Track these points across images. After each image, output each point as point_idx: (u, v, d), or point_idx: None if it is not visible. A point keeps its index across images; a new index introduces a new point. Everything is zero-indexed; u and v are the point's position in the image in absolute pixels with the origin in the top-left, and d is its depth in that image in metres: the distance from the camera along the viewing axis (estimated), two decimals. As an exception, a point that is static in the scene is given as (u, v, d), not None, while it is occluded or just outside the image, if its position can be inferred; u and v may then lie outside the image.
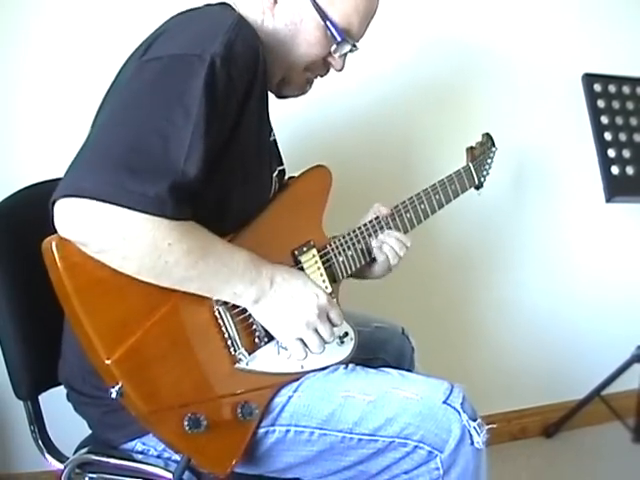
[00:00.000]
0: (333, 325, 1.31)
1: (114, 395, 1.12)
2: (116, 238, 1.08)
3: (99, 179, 1.07)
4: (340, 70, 1.45)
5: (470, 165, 1.83)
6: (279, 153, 1.56)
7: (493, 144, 1.95)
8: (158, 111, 1.13)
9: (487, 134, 1.96)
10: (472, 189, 1.86)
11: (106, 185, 1.06)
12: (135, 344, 1.14)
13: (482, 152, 1.90)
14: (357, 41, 1.41)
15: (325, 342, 1.30)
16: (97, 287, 1.13)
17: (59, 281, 1.12)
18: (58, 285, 1.13)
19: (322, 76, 1.47)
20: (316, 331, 1.28)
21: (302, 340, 1.28)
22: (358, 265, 1.54)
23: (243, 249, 1.23)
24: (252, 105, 1.25)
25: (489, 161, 1.93)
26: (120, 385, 1.12)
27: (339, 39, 1.36)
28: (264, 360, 1.30)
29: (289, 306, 1.26)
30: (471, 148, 1.89)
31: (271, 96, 1.45)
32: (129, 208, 1.06)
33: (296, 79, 1.44)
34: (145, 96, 1.15)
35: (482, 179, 1.89)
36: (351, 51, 1.41)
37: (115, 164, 1.07)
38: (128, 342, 1.14)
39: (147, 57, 1.20)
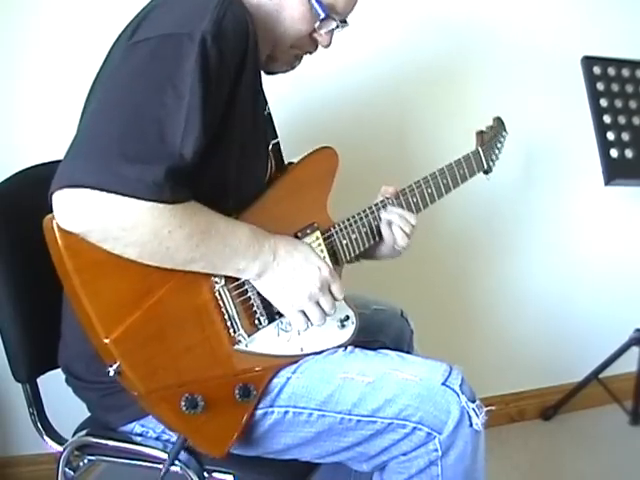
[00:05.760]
0: (334, 299, 1.31)
1: (112, 373, 1.13)
2: (116, 227, 1.08)
3: (95, 168, 1.06)
4: (327, 47, 1.44)
5: (479, 149, 1.81)
6: (274, 126, 1.55)
7: (504, 128, 1.93)
8: (151, 94, 1.12)
9: (498, 118, 1.92)
10: (481, 174, 1.83)
11: (102, 174, 1.05)
12: (134, 323, 1.14)
13: (492, 137, 1.87)
14: (345, 17, 1.41)
15: (326, 314, 1.30)
16: (97, 266, 1.13)
17: (60, 259, 1.12)
18: (59, 263, 1.13)
19: (311, 53, 1.46)
20: (318, 303, 1.29)
21: (304, 312, 1.28)
22: (362, 248, 1.53)
23: (245, 224, 1.23)
24: (246, 79, 1.24)
25: (499, 146, 1.90)
26: (118, 364, 1.13)
27: (323, 15, 1.35)
28: (264, 342, 1.30)
29: (292, 278, 1.26)
30: (481, 132, 1.86)
31: (264, 76, 1.45)
32: (126, 195, 1.06)
33: (283, 56, 1.43)
34: (137, 79, 1.13)
35: (491, 164, 1.85)
36: (338, 27, 1.40)
37: (110, 151, 1.06)
38: (127, 321, 1.14)
39: (136, 38, 1.18)
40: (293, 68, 1.49)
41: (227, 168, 1.28)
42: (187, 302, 1.21)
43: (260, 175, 1.41)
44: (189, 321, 1.21)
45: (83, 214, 1.07)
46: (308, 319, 1.29)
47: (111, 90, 1.17)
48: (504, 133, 1.92)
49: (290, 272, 1.26)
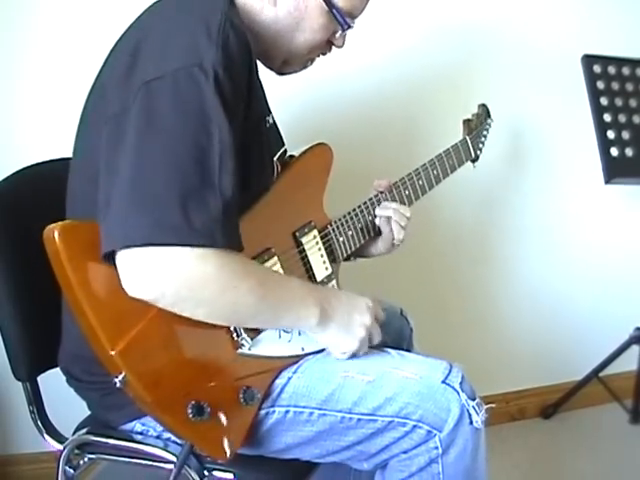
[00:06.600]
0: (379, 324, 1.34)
1: (118, 385, 1.12)
2: (185, 284, 1.09)
3: (147, 222, 1.05)
4: (341, 47, 1.44)
5: (467, 138, 1.82)
6: (279, 134, 1.55)
7: (489, 115, 1.93)
8: (186, 140, 1.10)
9: (483, 105, 1.93)
10: (468, 162, 1.84)
11: (157, 227, 1.05)
12: (139, 334, 1.13)
13: (478, 124, 1.88)
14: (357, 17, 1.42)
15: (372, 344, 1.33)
16: (101, 278, 1.11)
17: (62, 272, 1.11)
18: (61, 276, 1.12)
19: (324, 54, 1.46)
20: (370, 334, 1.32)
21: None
22: (358, 244, 1.54)
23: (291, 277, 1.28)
24: (253, 96, 1.25)
25: (485, 133, 1.91)
26: (124, 375, 1.11)
27: (345, 26, 1.37)
28: (266, 344, 1.30)
29: (348, 319, 1.29)
30: (467, 120, 1.87)
31: (270, 77, 1.45)
32: (186, 245, 1.06)
33: (299, 61, 1.44)
34: (167, 128, 1.11)
35: (478, 152, 1.87)
36: (351, 27, 1.40)
37: (157, 202, 1.06)
38: (132, 332, 1.12)
39: (147, 75, 1.14)
40: (306, 68, 1.49)
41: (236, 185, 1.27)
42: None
43: (265, 187, 1.39)
44: (192, 328, 1.19)
45: (151, 275, 1.07)
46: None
47: (141, 140, 1.12)
48: (489, 120, 1.92)
49: (346, 313, 1.29)
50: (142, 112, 1.13)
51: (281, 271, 1.36)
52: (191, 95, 1.12)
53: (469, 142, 1.81)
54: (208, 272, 1.09)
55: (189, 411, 1.16)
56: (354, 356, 1.31)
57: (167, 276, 1.07)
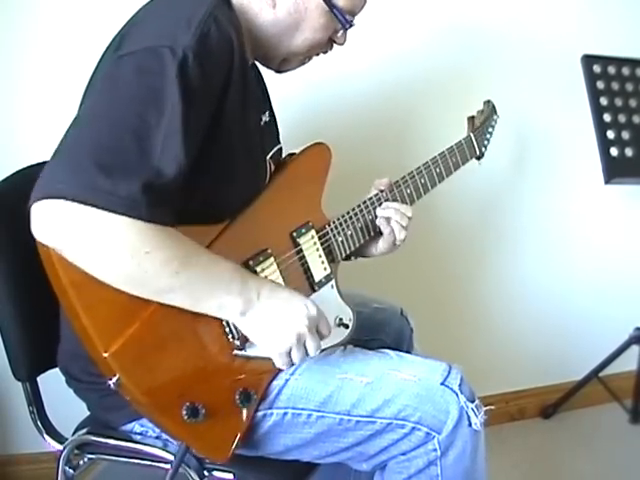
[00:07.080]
0: (321, 337, 1.24)
1: (112, 386, 1.12)
2: (91, 242, 1.05)
3: (72, 180, 1.04)
4: (343, 44, 1.44)
5: (471, 135, 1.79)
6: (276, 133, 1.54)
7: (495, 112, 1.90)
8: (132, 109, 1.09)
9: (489, 101, 1.91)
10: (473, 160, 1.82)
11: (79, 186, 1.03)
12: (133, 335, 1.13)
13: (483, 120, 1.86)
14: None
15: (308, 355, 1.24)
16: (93, 280, 1.09)
17: (55, 275, 1.11)
18: (54, 279, 1.12)
19: (325, 53, 1.46)
20: (304, 344, 1.21)
21: (288, 352, 1.21)
22: (357, 244, 1.53)
23: (228, 260, 1.19)
24: (232, 96, 1.22)
25: (490, 130, 1.88)
26: (118, 377, 1.12)
27: (347, 25, 1.36)
28: None
29: (278, 317, 1.19)
30: (472, 117, 1.85)
31: (270, 78, 1.44)
32: (101, 208, 1.03)
33: (298, 58, 1.44)
34: (120, 93, 1.11)
35: (483, 149, 1.84)
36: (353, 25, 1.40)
37: (87, 163, 1.04)
38: (126, 334, 1.12)
39: (122, 51, 1.16)
40: (304, 64, 1.48)
41: (219, 184, 1.26)
42: (185, 311, 1.17)
43: (256, 187, 1.38)
44: (187, 329, 1.19)
45: (58, 226, 1.05)
46: (290, 358, 1.22)
47: (95, 103, 1.15)
48: (495, 117, 1.89)
49: (276, 311, 1.20)
50: (105, 80, 1.16)
51: (278, 273, 1.34)
52: (153, 70, 1.11)
53: (473, 139, 1.79)
54: (117, 232, 1.05)
55: (184, 412, 1.16)
56: (291, 362, 1.22)
57: (75, 228, 1.04)
